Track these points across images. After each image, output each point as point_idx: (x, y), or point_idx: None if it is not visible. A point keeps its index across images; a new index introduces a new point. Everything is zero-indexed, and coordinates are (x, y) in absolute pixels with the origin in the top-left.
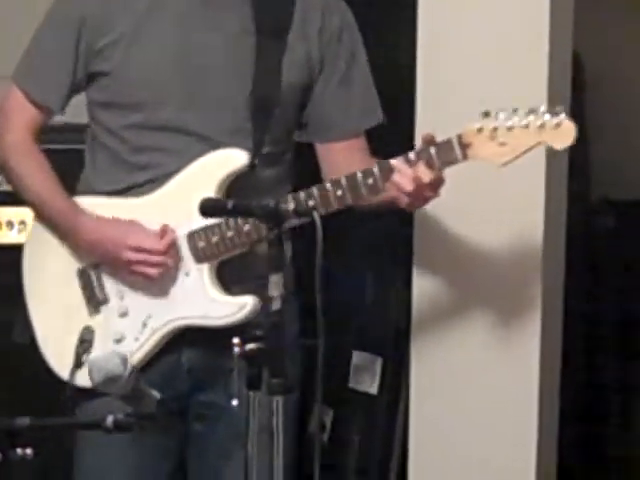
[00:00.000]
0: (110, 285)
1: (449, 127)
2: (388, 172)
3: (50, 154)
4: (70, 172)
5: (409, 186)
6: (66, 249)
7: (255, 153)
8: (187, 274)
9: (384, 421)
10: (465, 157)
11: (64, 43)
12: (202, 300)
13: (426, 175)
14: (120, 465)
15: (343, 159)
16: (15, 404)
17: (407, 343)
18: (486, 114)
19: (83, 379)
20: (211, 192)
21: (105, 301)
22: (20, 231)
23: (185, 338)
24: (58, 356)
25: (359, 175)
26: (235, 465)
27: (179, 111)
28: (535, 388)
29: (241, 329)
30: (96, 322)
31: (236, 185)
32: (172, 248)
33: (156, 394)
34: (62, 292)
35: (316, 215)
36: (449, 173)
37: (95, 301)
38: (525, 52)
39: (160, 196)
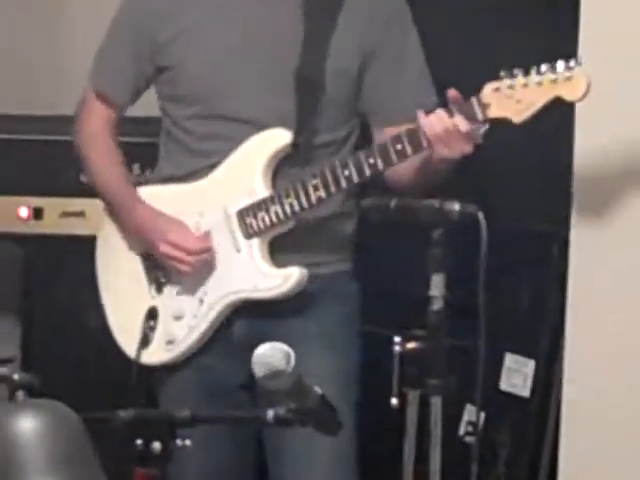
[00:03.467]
0: (169, 266)
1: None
2: (415, 134)
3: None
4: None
5: (439, 129)
6: (131, 235)
7: (299, 132)
8: (238, 250)
9: (535, 425)
10: (485, 116)
11: (131, 39)
12: (252, 274)
13: (453, 120)
14: None
15: None
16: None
17: (560, 346)
18: (506, 74)
19: (149, 357)
20: (258, 172)
21: (166, 282)
22: None
23: (239, 312)
24: (128, 337)
25: (388, 143)
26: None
27: (231, 100)
28: None
29: (401, 327)
30: (160, 302)
31: (295, 173)
32: (205, 252)
33: (318, 389)
34: (128, 275)
35: (480, 215)
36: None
37: (158, 282)
38: None
39: (212, 180)
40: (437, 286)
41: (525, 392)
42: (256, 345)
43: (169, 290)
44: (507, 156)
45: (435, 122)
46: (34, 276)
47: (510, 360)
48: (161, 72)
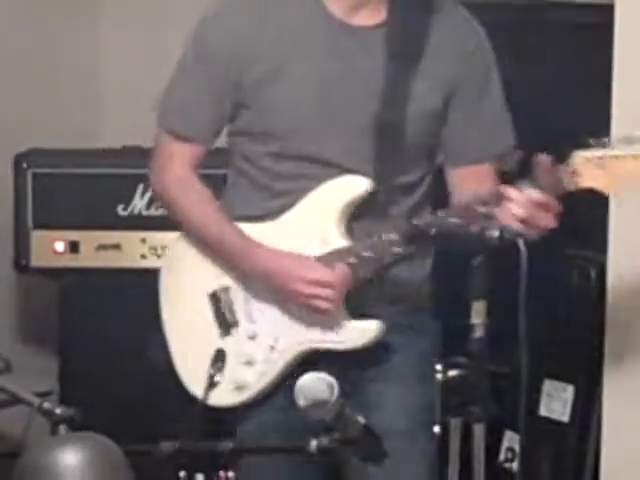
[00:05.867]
0: (240, 308)
1: None
2: (498, 198)
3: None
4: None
5: (521, 212)
6: (200, 271)
7: (378, 180)
8: None
9: (575, 450)
10: (575, 186)
11: (215, 78)
12: (329, 324)
13: (537, 196)
14: None
15: (474, 184)
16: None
17: (600, 372)
18: (597, 142)
19: (217, 399)
20: (332, 218)
21: (235, 324)
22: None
23: (314, 362)
24: (193, 377)
25: (471, 203)
26: None
27: (312, 141)
28: None
29: (443, 355)
30: (227, 344)
31: (370, 214)
32: (350, 285)
33: (361, 419)
34: (195, 315)
35: (521, 242)
36: None
37: (226, 324)
38: None
39: (285, 221)
40: (478, 313)
41: (564, 417)
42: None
43: (238, 333)
44: None
45: (521, 204)
46: (71, 309)
47: (549, 385)
48: (239, 110)
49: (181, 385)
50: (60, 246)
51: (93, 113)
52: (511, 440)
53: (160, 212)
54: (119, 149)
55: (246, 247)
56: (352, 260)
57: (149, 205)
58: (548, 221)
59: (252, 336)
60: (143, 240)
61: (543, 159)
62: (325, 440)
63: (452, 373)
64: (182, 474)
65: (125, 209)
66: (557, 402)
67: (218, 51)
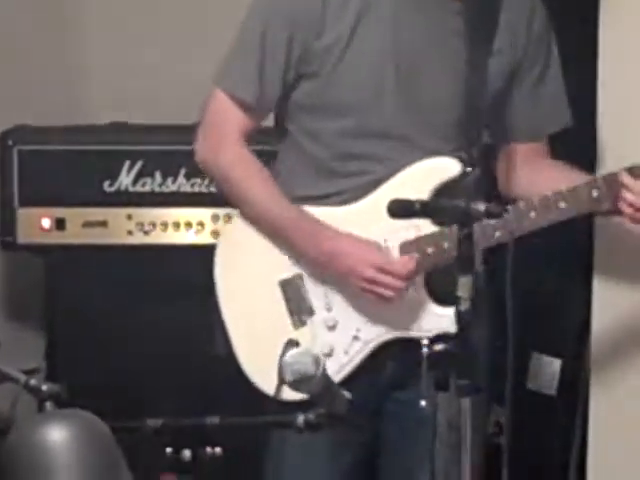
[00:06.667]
0: (316, 297)
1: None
2: (614, 185)
3: None
4: None
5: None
6: (267, 258)
7: (467, 162)
8: None
9: (562, 423)
10: None
11: (277, 43)
12: (414, 312)
13: None
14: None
15: (524, 162)
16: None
17: (587, 343)
18: None
19: (290, 393)
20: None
21: (311, 313)
22: (198, 232)
23: (388, 351)
24: (262, 371)
25: (581, 187)
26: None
27: (393, 116)
28: None
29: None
30: (301, 334)
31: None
32: (414, 275)
33: (347, 394)
34: (263, 304)
35: (507, 216)
36: None
37: (300, 313)
38: None
39: (367, 204)
40: (464, 287)
41: (551, 391)
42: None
43: (315, 323)
44: None
45: (637, 192)
46: (57, 286)
47: (536, 359)
48: (302, 80)
49: (168, 361)
50: (46, 223)
51: (79, 89)
52: (498, 414)
53: (147, 188)
54: (105, 125)
55: (310, 228)
56: (446, 244)
57: (135, 182)
58: None
59: (332, 326)
60: (129, 217)
61: None
62: (312, 415)
63: (438, 347)
64: (169, 450)
65: (111, 185)
66: (544, 376)
67: (279, 16)
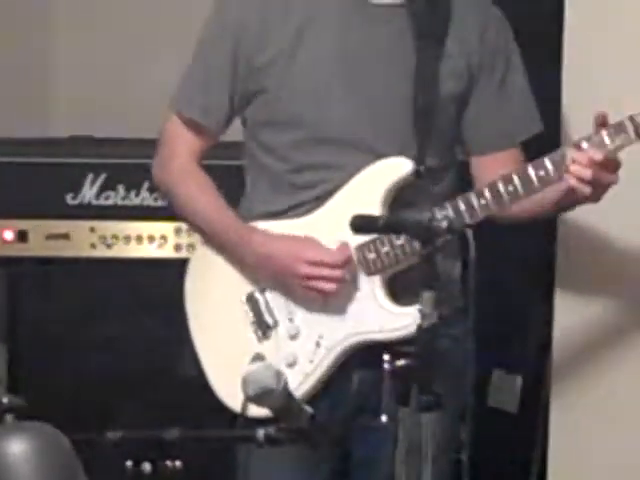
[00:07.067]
0: (278, 308)
1: None
2: (560, 161)
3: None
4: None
5: (587, 173)
6: (232, 274)
7: (419, 162)
8: (358, 288)
9: (523, 440)
10: (639, 137)
11: (221, 63)
12: (376, 313)
13: (599, 156)
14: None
15: (500, 171)
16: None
17: (548, 361)
18: None
19: (257, 410)
20: (376, 203)
21: (275, 325)
22: (160, 246)
23: (355, 359)
24: (229, 388)
25: (530, 168)
26: None
27: (343, 123)
28: None
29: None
30: (266, 348)
31: (402, 200)
32: (349, 263)
33: (308, 409)
34: (229, 320)
35: (469, 233)
36: None
37: (264, 326)
38: None
39: (324, 213)
40: (426, 302)
41: (513, 408)
42: (370, 395)
43: (278, 334)
44: None
45: (585, 164)
46: (19, 298)
47: (497, 376)
48: (253, 97)
49: (132, 374)
50: (9, 235)
51: (42, 102)
52: (461, 431)
53: (110, 202)
54: (68, 138)
55: (244, 234)
56: (403, 244)
57: (98, 194)
58: (613, 179)
59: (294, 335)
60: (92, 229)
61: (602, 113)
62: (272, 429)
63: (400, 362)
64: (129, 463)
65: (74, 198)
66: (505, 393)
67: (221, 37)
